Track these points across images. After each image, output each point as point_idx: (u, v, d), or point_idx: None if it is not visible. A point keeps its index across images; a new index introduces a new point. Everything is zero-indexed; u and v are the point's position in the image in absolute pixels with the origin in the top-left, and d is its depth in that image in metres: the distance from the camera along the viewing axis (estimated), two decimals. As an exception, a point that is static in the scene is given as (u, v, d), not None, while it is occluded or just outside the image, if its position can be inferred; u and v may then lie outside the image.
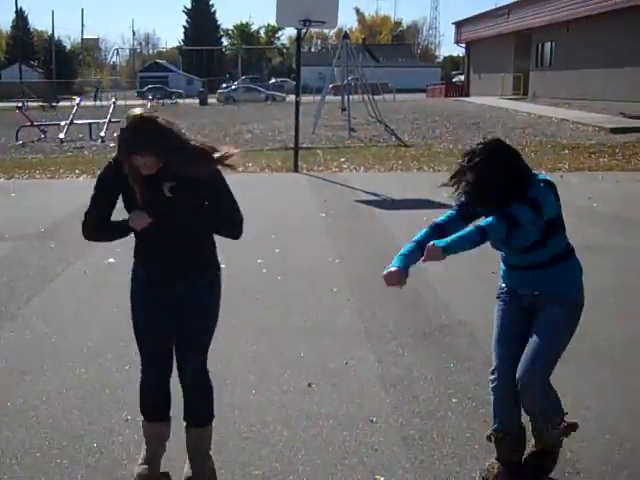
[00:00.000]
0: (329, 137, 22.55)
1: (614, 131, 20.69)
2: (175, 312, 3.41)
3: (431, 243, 3.15)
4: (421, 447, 3.88)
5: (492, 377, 3.51)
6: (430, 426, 4.12)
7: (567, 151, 17.55)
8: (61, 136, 23.08)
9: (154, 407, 3.57)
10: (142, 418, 3.60)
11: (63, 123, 24.43)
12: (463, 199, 3.37)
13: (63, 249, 8.43)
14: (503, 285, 3.58)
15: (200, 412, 3.54)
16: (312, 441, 3.99)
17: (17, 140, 22.89)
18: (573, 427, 3.51)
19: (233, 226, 3.40)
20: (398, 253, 3.34)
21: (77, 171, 15.96)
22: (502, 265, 3.57)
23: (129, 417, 4.12)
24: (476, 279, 6.84)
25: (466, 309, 6.13)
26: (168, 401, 3.59)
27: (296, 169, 15.68)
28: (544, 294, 3.40)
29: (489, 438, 3.58)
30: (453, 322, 5.89)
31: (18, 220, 10.42)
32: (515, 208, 3.17)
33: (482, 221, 3.27)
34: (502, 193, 3.20)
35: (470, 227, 3.26)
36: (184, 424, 3.54)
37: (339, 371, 4.95)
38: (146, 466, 3.50)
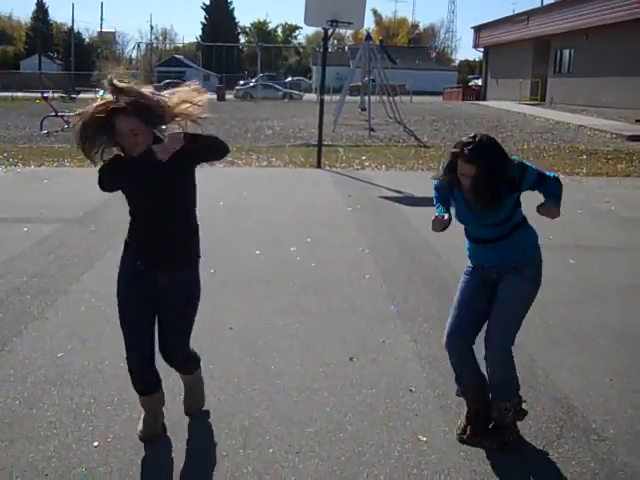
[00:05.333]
0: (349, 136, 22.88)
1: (631, 138, 20.97)
2: (157, 297, 3.68)
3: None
4: (458, 414, 4.22)
5: (446, 341, 3.94)
6: (465, 397, 4.47)
7: (585, 157, 17.83)
8: (85, 127, 23.41)
9: (145, 386, 3.86)
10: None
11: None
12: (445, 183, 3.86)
13: (104, 233, 8.80)
14: (470, 264, 3.99)
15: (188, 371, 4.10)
16: (358, 406, 4.35)
17: (42, 129, 23.28)
18: (524, 413, 3.95)
19: (219, 146, 3.58)
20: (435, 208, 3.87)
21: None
22: (467, 243, 3.97)
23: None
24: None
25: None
26: (157, 378, 3.87)
27: (319, 165, 16.02)
28: (509, 263, 3.80)
29: (458, 394, 4.08)
30: (481, 309, 6.22)
31: (54, 205, 10.80)
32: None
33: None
34: (498, 188, 3.63)
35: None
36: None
37: (377, 348, 5.31)
38: (147, 428, 3.87)
